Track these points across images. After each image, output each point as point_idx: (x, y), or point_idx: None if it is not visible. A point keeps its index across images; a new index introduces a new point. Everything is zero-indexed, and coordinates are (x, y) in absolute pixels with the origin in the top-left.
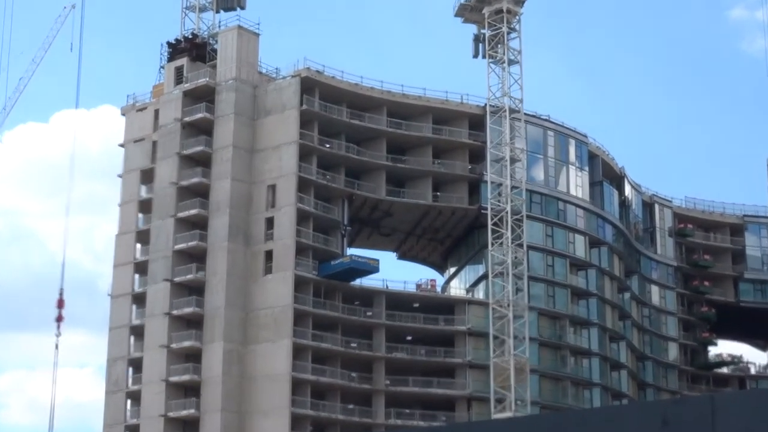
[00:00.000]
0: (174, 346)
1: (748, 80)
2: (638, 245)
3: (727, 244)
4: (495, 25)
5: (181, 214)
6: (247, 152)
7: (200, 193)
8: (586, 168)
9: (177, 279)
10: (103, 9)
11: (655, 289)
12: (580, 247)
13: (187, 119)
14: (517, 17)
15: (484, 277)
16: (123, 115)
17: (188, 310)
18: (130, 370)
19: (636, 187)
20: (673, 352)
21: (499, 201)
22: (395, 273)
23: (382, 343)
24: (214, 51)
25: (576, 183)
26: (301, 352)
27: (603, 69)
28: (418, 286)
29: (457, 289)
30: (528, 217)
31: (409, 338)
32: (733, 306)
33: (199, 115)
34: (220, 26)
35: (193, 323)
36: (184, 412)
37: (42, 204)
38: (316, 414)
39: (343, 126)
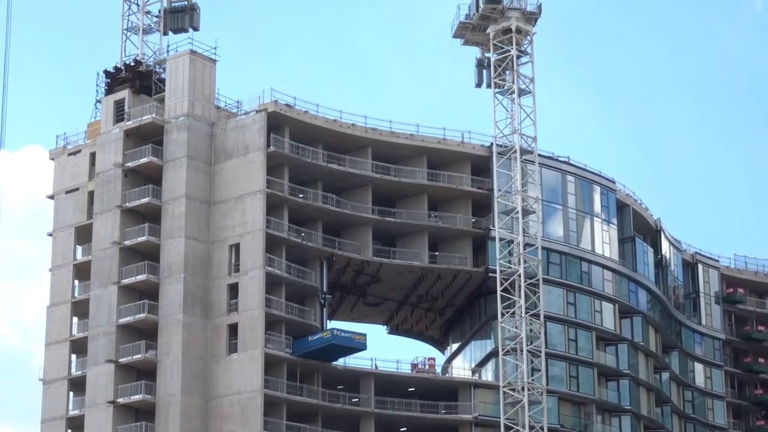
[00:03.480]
0: None
1: None
2: (678, 314)
3: None
4: (502, 48)
5: (125, 281)
6: (203, 204)
7: (148, 254)
8: (615, 221)
9: (123, 360)
10: (30, 29)
11: (699, 368)
12: (608, 318)
13: (129, 164)
14: (529, 38)
15: (494, 354)
16: (52, 159)
17: (137, 397)
18: None
19: (675, 244)
20: None
21: (509, 262)
22: (386, 351)
23: None
24: (162, 81)
25: (602, 239)
26: None
27: (633, 101)
28: (414, 366)
29: (461, 369)
30: (545, 281)
31: (404, 430)
32: None
33: (145, 160)
34: (168, 51)
35: (143, 414)
36: None
37: None
38: None
39: (319, 172)
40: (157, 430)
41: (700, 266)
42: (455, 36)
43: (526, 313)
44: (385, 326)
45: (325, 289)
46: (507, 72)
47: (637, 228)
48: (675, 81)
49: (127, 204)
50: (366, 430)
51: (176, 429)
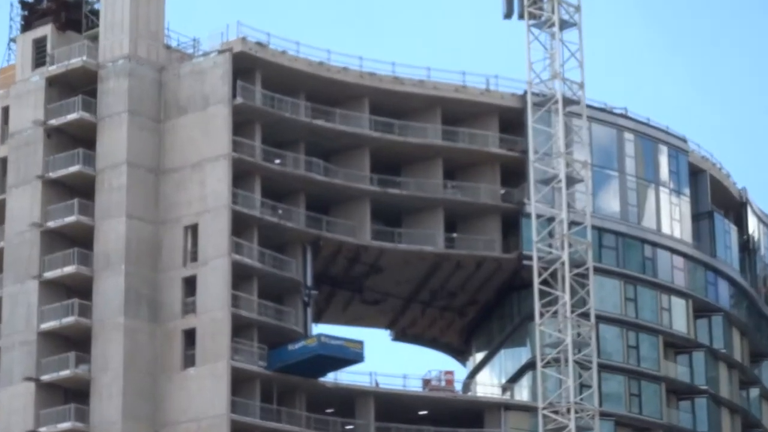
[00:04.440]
0: None
1: None
2: None
3: None
4: None
5: (49, 274)
6: (150, 174)
7: (78, 239)
8: (687, 191)
9: (45, 377)
10: None
11: None
12: (679, 317)
13: (53, 122)
14: None
15: (530, 366)
16: None
17: (65, 426)
18: None
19: (766, 221)
20: None
21: (550, 246)
22: (390, 363)
23: None
24: (95, 14)
25: (671, 215)
26: None
27: (709, 36)
28: (427, 382)
29: (488, 386)
30: (597, 270)
31: None
32: None
33: (73, 116)
34: None
35: None
36: None
37: None
38: None
39: (301, 130)
40: None
41: None
42: None
43: (572, 312)
44: (389, 331)
45: (309, 283)
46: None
47: (717, 201)
48: (764, 7)
49: (51, 174)
50: None
51: None
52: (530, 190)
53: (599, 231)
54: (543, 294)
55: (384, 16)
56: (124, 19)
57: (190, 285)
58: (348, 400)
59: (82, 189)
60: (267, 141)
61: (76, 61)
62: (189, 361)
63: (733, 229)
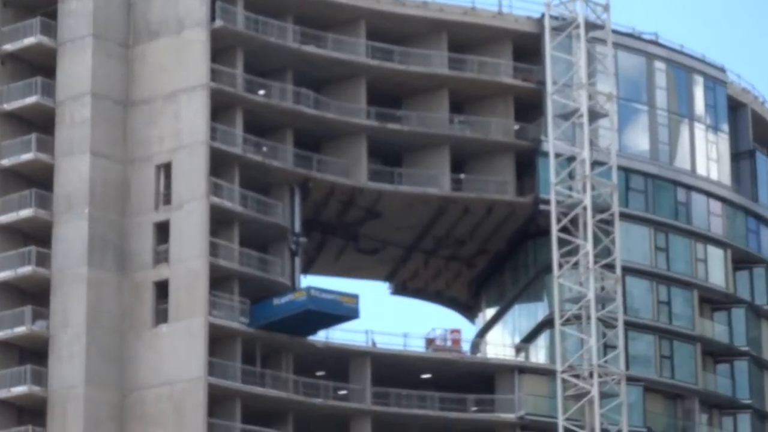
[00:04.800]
0: None
1: None
2: None
3: None
4: None
5: (2, 218)
6: (117, 106)
7: (36, 179)
8: (725, 127)
9: None
10: None
11: None
12: (716, 269)
13: (8, 47)
14: None
15: (547, 324)
16: None
17: (20, 390)
18: None
19: None
20: None
21: (570, 188)
22: (388, 320)
23: None
24: None
25: (707, 154)
26: None
27: None
28: (430, 342)
29: (500, 346)
30: (624, 216)
31: None
32: None
33: (30, 41)
34: None
35: (30, 414)
36: None
37: None
38: None
39: (289, 57)
40: None
41: None
42: None
43: (595, 263)
44: (387, 284)
45: (297, 230)
46: None
47: (759, 138)
48: None
49: (5, 105)
50: None
51: None
52: (548, 126)
53: (626, 172)
54: (562, 243)
55: None
56: None
57: (162, 231)
58: (341, 362)
59: (40, 123)
60: (250, 69)
61: None
62: (161, 317)
63: None
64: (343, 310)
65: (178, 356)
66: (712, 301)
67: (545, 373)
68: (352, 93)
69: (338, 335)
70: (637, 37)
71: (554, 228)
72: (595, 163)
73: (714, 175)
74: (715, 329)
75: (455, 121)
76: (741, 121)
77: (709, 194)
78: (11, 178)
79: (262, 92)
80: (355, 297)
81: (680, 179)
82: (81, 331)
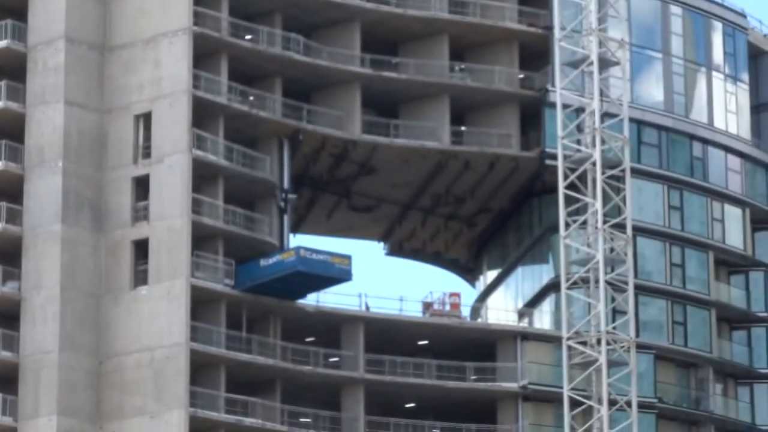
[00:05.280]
0: None
1: None
2: None
3: None
4: None
5: None
6: (93, 51)
7: (6, 130)
8: (746, 77)
9: None
10: None
11: None
12: (734, 230)
13: None
14: None
15: (552, 288)
16: None
17: None
18: None
19: None
20: None
21: (578, 142)
22: (383, 282)
23: (359, 416)
24: None
25: (726, 106)
26: None
27: None
28: (428, 306)
29: (502, 311)
30: (635, 172)
31: (411, 406)
32: None
33: None
34: None
35: (1, 381)
36: None
37: None
38: None
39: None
40: (23, 404)
41: None
42: None
43: (605, 222)
44: (382, 244)
45: (286, 186)
46: None
47: None
48: None
49: None
50: (351, 405)
51: (52, 403)
52: (555, 75)
53: (638, 124)
54: (569, 200)
55: None
56: None
57: (141, 186)
58: (332, 328)
59: (10, 69)
60: (235, 13)
61: None
62: (140, 278)
63: None
64: (335, 272)
65: (158, 320)
66: (729, 264)
67: (550, 339)
68: (346, 38)
69: (329, 299)
70: None
71: (561, 185)
72: (605, 115)
73: (732, 129)
74: (732, 294)
75: (456, 69)
76: (762, 70)
77: (727, 149)
78: None
79: (248, 37)
80: (348, 258)
81: (696, 133)
82: (55, 293)
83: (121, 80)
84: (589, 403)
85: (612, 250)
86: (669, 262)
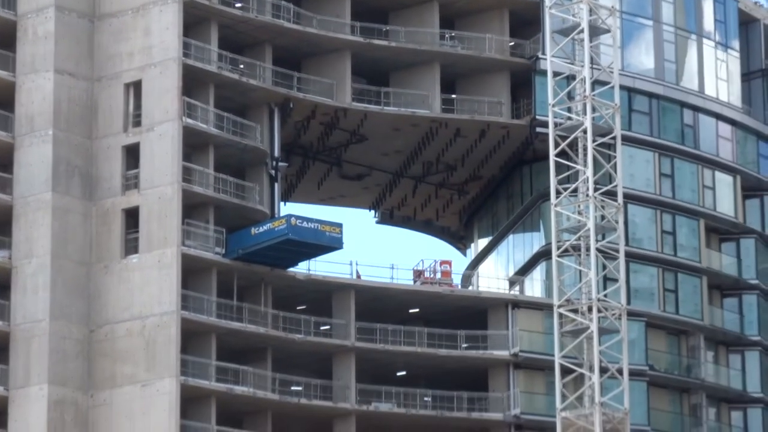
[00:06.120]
0: None
1: None
2: None
3: None
4: None
5: None
6: (83, 19)
7: None
8: (736, 44)
9: None
10: None
11: None
12: (725, 198)
13: None
14: None
15: (543, 255)
16: None
17: None
18: None
19: None
20: None
21: (569, 110)
22: (374, 251)
23: (350, 383)
24: None
25: (717, 73)
26: (196, 404)
27: None
28: (418, 274)
29: (493, 279)
30: (626, 139)
31: (403, 374)
32: None
33: None
34: None
35: None
36: None
37: None
38: None
39: None
40: (14, 374)
41: None
42: None
43: (596, 190)
44: (373, 212)
45: (276, 154)
46: None
47: None
48: None
49: None
50: (342, 373)
51: (43, 371)
52: (546, 42)
53: (629, 92)
54: (560, 168)
55: None
56: None
57: (132, 155)
58: (323, 296)
59: (0, 37)
60: None
61: None
62: (131, 247)
63: None
64: (326, 240)
65: (149, 289)
66: (720, 231)
67: (541, 307)
68: (336, 6)
69: (320, 267)
70: None
71: (552, 152)
72: (596, 83)
73: (723, 96)
74: (723, 261)
75: (446, 37)
76: (753, 37)
77: (718, 116)
78: None
79: (238, 5)
80: (339, 226)
81: (687, 100)
82: (45, 261)
83: (111, 48)
84: (580, 370)
85: (603, 217)
86: (660, 230)
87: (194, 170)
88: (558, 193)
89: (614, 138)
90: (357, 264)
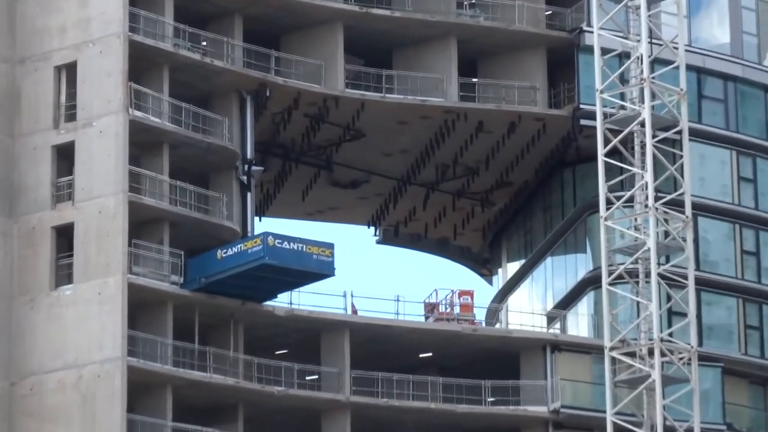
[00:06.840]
0: None
1: None
2: None
3: None
4: None
5: None
6: None
7: None
8: None
9: None
10: None
11: None
12: None
13: None
14: None
15: (590, 283)
16: None
17: None
18: None
19: None
20: None
21: (622, 97)
22: (375, 279)
23: None
24: None
25: None
26: None
27: None
28: (431, 308)
29: (527, 314)
30: (695, 134)
31: None
32: None
33: None
34: None
35: None
36: None
37: None
38: None
39: None
40: None
41: None
42: None
43: (657, 200)
44: (373, 229)
45: (250, 155)
46: None
47: None
48: None
49: None
50: None
51: None
52: (591, 11)
53: (698, 73)
54: (611, 171)
55: None
56: None
57: (64, 157)
58: (310, 336)
59: None
60: None
61: None
62: (63, 275)
63: None
64: (313, 265)
65: (87, 329)
66: None
67: (588, 350)
68: None
69: (306, 300)
70: None
71: (601, 151)
72: (656, 62)
73: None
74: None
75: (465, 5)
76: None
77: None
78: None
79: None
80: (329, 247)
81: None
82: None
83: (37, 22)
84: (639, 430)
85: (667, 234)
86: (740, 250)
87: (144, 177)
88: (609, 203)
89: (680, 132)
90: (353, 296)
